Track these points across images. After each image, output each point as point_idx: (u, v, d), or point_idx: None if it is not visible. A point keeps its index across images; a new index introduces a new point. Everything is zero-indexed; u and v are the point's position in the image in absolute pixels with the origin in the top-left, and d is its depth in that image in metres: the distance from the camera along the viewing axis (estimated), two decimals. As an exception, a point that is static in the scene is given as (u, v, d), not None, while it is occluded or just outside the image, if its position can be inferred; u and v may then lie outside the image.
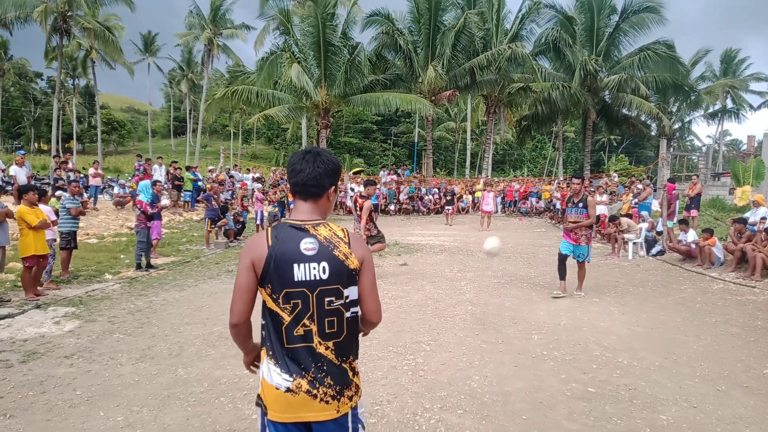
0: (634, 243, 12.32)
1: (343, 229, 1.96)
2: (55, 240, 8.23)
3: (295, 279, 1.85)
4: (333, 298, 1.89)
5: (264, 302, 1.90)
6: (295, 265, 1.85)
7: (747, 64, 47.69)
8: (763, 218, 10.13)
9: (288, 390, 1.84)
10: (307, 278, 1.86)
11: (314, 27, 23.81)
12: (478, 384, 4.38)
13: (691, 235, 11.54)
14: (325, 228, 1.93)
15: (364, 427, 2.01)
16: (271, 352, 1.89)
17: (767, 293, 8.16)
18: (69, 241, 8.53)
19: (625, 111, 29.44)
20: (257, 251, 1.88)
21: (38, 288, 7.43)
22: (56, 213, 8.47)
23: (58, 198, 9.81)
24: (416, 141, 49.74)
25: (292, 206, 1.98)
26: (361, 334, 2.12)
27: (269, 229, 1.94)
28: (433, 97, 27.10)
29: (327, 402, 1.86)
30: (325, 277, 1.87)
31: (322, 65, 24.64)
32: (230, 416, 3.77)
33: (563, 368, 4.77)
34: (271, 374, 1.87)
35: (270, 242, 1.87)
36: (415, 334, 5.75)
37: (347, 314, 1.93)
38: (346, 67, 24.48)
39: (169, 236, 13.68)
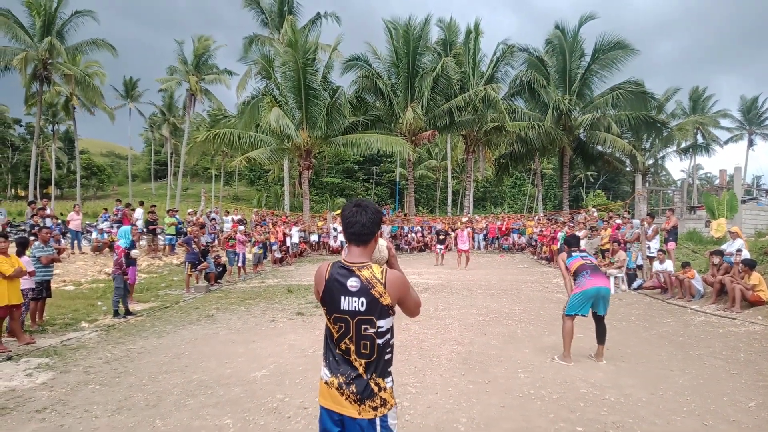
0: (616, 277, 12.43)
1: (382, 271, 2.38)
2: (32, 289, 8.02)
3: (341, 307, 2.37)
4: (368, 326, 2.35)
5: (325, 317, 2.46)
6: (342, 297, 2.36)
7: (714, 101, 50.14)
8: (739, 250, 10.33)
9: (326, 383, 2.41)
10: (350, 308, 2.36)
11: (294, 71, 24.27)
12: (465, 427, 4.29)
13: (668, 265, 11.70)
14: (368, 270, 2.38)
15: None
16: (324, 355, 2.49)
17: (748, 325, 8.25)
18: (41, 291, 8.29)
19: (599, 148, 30.27)
20: (319, 281, 2.47)
21: (24, 335, 7.32)
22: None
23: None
24: (398, 180, 50.31)
25: (345, 247, 2.59)
26: None
27: (330, 264, 2.47)
28: (413, 138, 27.55)
29: (351, 402, 2.34)
30: (362, 309, 2.34)
31: (303, 108, 25.01)
32: (210, 469, 3.63)
33: (551, 407, 4.71)
34: (322, 370, 2.46)
35: (327, 275, 2.42)
36: (400, 376, 5.64)
37: (378, 341, 2.37)
38: (327, 110, 24.89)
39: (147, 281, 13.41)
